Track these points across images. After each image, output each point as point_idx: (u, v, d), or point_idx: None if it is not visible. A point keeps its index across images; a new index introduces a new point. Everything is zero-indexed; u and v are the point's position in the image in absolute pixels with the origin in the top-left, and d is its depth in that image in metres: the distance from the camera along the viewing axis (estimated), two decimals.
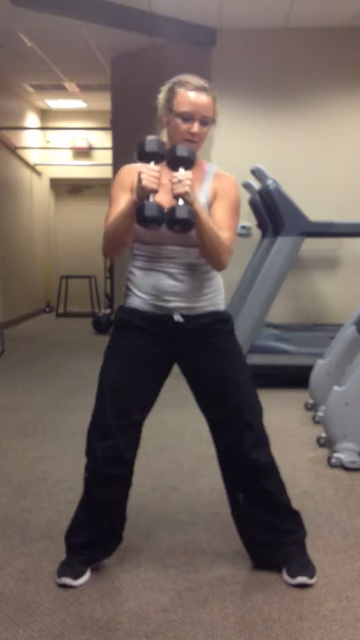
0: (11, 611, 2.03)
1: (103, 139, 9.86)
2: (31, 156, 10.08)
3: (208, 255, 2.05)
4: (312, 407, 4.33)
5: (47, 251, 10.87)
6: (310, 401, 4.34)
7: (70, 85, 8.83)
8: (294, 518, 2.26)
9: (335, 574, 2.25)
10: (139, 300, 2.15)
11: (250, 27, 6.25)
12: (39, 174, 10.49)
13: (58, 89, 9.01)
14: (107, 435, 2.13)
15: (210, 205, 2.12)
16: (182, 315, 2.12)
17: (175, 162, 1.98)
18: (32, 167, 10.14)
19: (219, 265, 2.09)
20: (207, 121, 2.14)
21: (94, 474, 2.20)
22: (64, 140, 10.50)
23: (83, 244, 10.86)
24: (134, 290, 2.16)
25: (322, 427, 3.58)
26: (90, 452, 2.20)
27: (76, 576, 2.16)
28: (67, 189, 11.14)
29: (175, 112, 2.10)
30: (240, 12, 5.90)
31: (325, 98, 6.34)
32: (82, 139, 10.43)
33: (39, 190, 10.51)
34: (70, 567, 2.19)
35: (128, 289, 2.19)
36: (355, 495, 2.97)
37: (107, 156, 8.81)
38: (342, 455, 3.29)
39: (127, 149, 8.05)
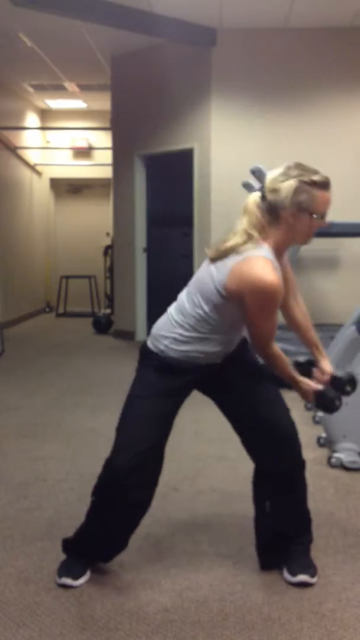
0: (11, 611, 2.03)
1: (103, 139, 9.86)
2: (31, 156, 10.08)
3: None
4: (312, 407, 4.33)
5: (47, 251, 10.87)
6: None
7: (70, 85, 8.83)
8: (308, 523, 2.28)
9: (335, 574, 2.25)
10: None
11: (250, 27, 6.25)
12: (39, 174, 10.49)
13: (58, 89, 9.01)
14: (138, 463, 2.10)
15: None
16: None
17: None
18: (32, 167, 10.14)
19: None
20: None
21: (123, 501, 2.12)
22: (64, 140, 10.50)
23: (83, 244, 10.86)
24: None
25: (322, 427, 3.58)
26: (120, 481, 2.10)
27: (76, 576, 2.17)
28: (67, 189, 11.14)
29: (315, 213, 2.01)
30: (240, 12, 5.90)
31: (325, 98, 6.34)
32: (82, 139, 10.43)
33: (39, 190, 10.51)
34: (70, 567, 2.19)
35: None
36: (355, 495, 2.97)
37: (107, 156, 8.81)
38: (342, 455, 3.29)
39: (127, 149, 8.12)
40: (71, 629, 1.94)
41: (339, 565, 2.31)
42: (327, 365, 2.27)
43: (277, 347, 2.10)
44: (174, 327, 2.11)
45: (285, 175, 1.99)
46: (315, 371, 2.28)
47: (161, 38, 6.47)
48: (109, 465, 2.12)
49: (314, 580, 2.18)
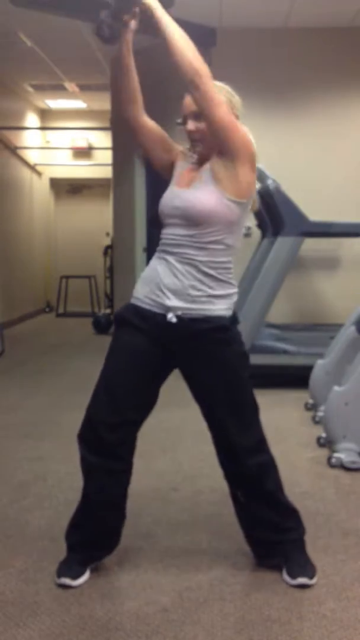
0: (11, 611, 2.03)
1: (103, 139, 9.85)
2: (31, 156, 10.08)
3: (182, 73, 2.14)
4: (312, 407, 4.33)
5: (47, 251, 10.87)
6: (310, 401, 4.34)
7: (70, 85, 8.83)
8: (294, 516, 2.27)
9: (335, 574, 2.25)
10: (139, 294, 2.15)
11: (250, 27, 6.25)
12: (39, 174, 10.49)
13: (58, 89, 9.01)
14: (95, 429, 2.17)
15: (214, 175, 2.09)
16: (177, 317, 2.07)
17: None
18: (32, 167, 10.14)
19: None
20: (196, 116, 2.16)
21: (83, 466, 2.24)
22: (64, 140, 10.50)
23: (83, 244, 10.86)
24: (137, 284, 2.17)
25: (322, 427, 3.58)
26: (79, 442, 2.25)
27: (75, 576, 2.17)
28: (67, 189, 11.14)
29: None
30: (240, 12, 5.90)
31: (325, 98, 6.34)
32: (82, 139, 10.43)
33: (39, 190, 10.51)
34: (69, 567, 2.19)
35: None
36: (355, 495, 2.97)
37: (107, 156, 8.81)
38: (342, 455, 3.29)
39: (127, 148, 8.10)
40: (71, 629, 1.94)
41: (339, 565, 2.31)
42: None
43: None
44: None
45: None
46: None
47: (161, 38, 6.46)
48: (82, 423, 2.28)
49: (313, 581, 2.17)
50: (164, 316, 2.07)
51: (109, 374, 2.17)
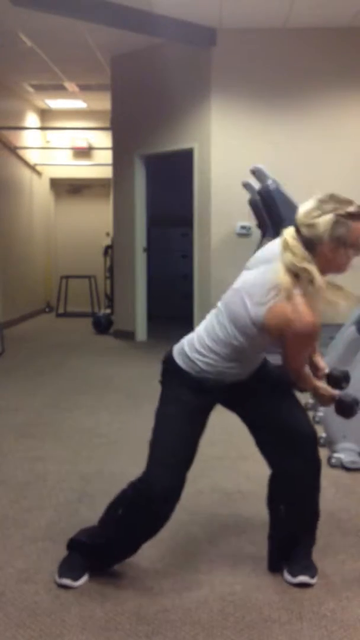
0: (11, 611, 2.03)
1: (103, 139, 9.85)
2: (31, 156, 10.07)
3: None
4: (312, 407, 4.33)
5: (47, 251, 10.86)
6: (310, 401, 4.34)
7: (70, 85, 8.83)
8: (314, 528, 2.28)
9: (335, 574, 2.25)
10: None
11: (250, 27, 6.25)
12: (39, 174, 10.48)
13: (58, 89, 9.00)
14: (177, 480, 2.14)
15: None
16: None
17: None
18: (32, 167, 10.13)
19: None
20: None
21: (155, 518, 2.15)
22: (64, 140, 10.50)
23: (83, 244, 10.86)
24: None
25: (322, 427, 3.58)
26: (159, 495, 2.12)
27: (76, 577, 2.16)
28: (67, 189, 11.14)
29: (353, 245, 1.98)
30: (240, 12, 5.90)
31: (325, 98, 6.34)
32: (82, 139, 10.42)
33: (39, 190, 10.51)
34: (71, 567, 2.18)
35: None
36: (355, 495, 2.97)
37: (107, 156, 8.81)
38: (342, 455, 3.29)
39: (127, 149, 8.11)
40: (71, 629, 1.94)
41: (339, 565, 2.31)
42: (320, 361, 2.29)
43: (309, 372, 2.21)
44: (208, 353, 2.10)
45: (320, 209, 1.95)
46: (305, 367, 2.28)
47: (161, 38, 6.47)
48: (146, 486, 2.10)
49: (313, 581, 2.18)
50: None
51: (184, 434, 2.17)
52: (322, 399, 2.21)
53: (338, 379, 2.23)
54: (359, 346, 3.72)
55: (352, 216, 1.94)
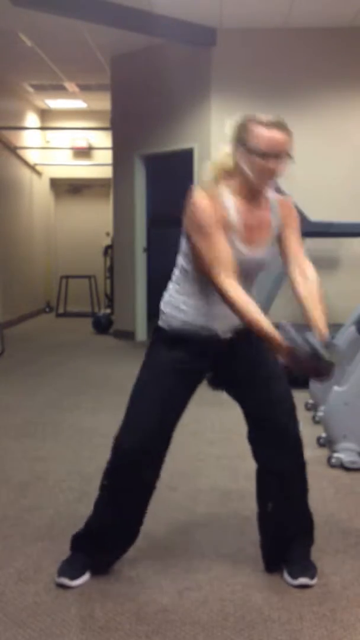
0: (11, 611, 2.03)
1: (103, 139, 9.85)
2: (31, 156, 10.07)
3: None
4: (312, 407, 4.33)
5: (47, 251, 10.86)
6: (310, 401, 4.34)
7: (70, 85, 8.83)
8: (311, 528, 2.28)
9: (335, 574, 2.25)
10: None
11: (250, 27, 6.25)
12: (39, 174, 10.48)
13: (58, 89, 9.01)
14: (151, 442, 2.15)
15: (280, 231, 2.14)
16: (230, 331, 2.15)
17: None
18: (32, 167, 10.13)
19: None
20: (284, 157, 2.09)
21: (134, 481, 2.15)
22: (64, 140, 10.50)
23: (83, 244, 10.86)
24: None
25: (322, 427, 3.58)
26: (126, 455, 2.14)
27: (74, 577, 2.16)
28: (67, 189, 11.14)
29: (256, 149, 2.01)
30: (240, 12, 5.90)
31: (325, 98, 6.34)
32: (82, 139, 10.43)
33: (39, 190, 10.51)
34: (71, 567, 2.18)
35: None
36: (355, 495, 2.97)
37: (107, 156, 8.81)
38: (342, 455, 3.29)
39: (127, 149, 8.09)
40: (71, 629, 1.94)
41: (339, 565, 2.31)
42: (320, 325, 2.09)
43: (235, 288, 1.95)
44: (171, 295, 2.15)
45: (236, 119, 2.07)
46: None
47: (161, 38, 6.46)
48: (118, 447, 2.14)
49: (313, 582, 2.17)
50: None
51: (155, 394, 2.17)
52: (272, 345, 1.96)
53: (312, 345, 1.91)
54: (359, 346, 3.72)
55: (258, 122, 2.06)
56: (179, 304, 2.12)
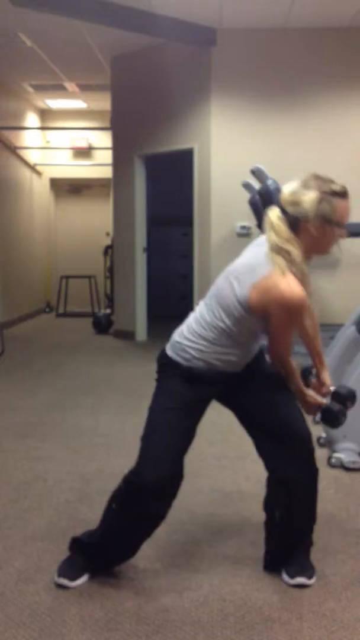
0: (11, 611, 2.03)
1: (103, 139, 9.85)
2: (31, 156, 10.07)
3: None
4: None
5: (47, 251, 10.86)
6: None
7: (70, 85, 8.83)
8: (311, 530, 2.27)
9: (335, 574, 2.25)
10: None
11: (250, 27, 6.25)
12: (39, 174, 10.48)
13: (58, 89, 9.01)
14: (166, 477, 2.11)
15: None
16: None
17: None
18: (32, 167, 10.13)
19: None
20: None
21: (148, 512, 2.12)
22: (64, 140, 10.50)
23: (83, 244, 10.86)
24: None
25: (322, 427, 3.58)
26: (147, 491, 2.09)
27: (73, 577, 2.16)
28: (67, 189, 11.14)
29: (337, 222, 2.01)
30: (240, 12, 5.90)
31: (325, 98, 6.34)
32: (82, 139, 10.43)
33: (39, 190, 10.51)
34: (71, 568, 2.18)
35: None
36: (355, 495, 2.97)
37: (107, 156, 8.81)
38: (342, 455, 3.29)
39: (127, 149, 8.10)
40: (71, 629, 1.94)
41: (339, 565, 2.31)
42: (326, 377, 2.27)
43: (292, 363, 2.13)
44: (197, 339, 2.09)
45: (305, 186, 1.97)
46: (313, 381, 2.28)
47: (161, 38, 6.46)
48: (137, 478, 2.09)
49: (311, 582, 2.18)
50: None
51: (176, 426, 2.16)
52: (307, 405, 2.18)
53: (343, 397, 2.18)
54: (359, 346, 3.73)
55: (335, 193, 1.96)
56: (214, 354, 2.08)
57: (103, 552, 2.21)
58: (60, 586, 2.15)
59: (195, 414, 2.15)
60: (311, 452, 2.19)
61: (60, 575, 2.17)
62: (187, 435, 2.13)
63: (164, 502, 2.12)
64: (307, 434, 2.17)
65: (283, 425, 2.16)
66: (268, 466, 2.21)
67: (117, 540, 2.19)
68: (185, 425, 2.12)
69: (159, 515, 2.14)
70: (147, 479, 2.05)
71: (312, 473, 2.20)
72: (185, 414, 2.12)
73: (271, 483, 2.22)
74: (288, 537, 2.23)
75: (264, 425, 2.19)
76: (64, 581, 2.15)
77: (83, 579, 2.18)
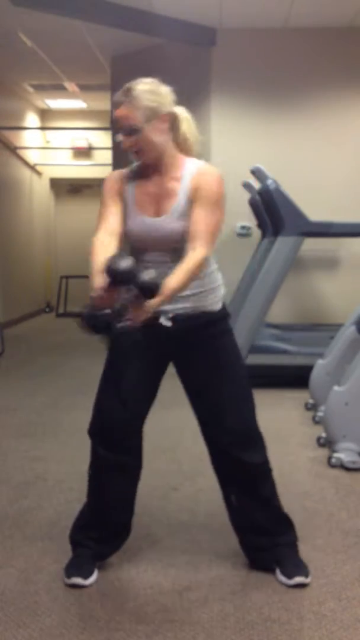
0: (11, 611, 2.03)
1: (103, 139, 9.86)
2: (31, 156, 10.08)
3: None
4: (312, 407, 4.33)
5: (47, 251, 10.87)
6: (310, 401, 4.34)
7: (70, 85, 8.83)
8: (286, 521, 2.27)
9: (335, 574, 2.25)
10: None
11: (250, 27, 6.25)
12: (39, 174, 10.49)
13: (58, 89, 9.01)
14: (109, 425, 2.20)
15: (191, 201, 2.14)
16: (170, 319, 2.09)
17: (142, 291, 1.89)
18: (32, 167, 10.14)
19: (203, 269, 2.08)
20: (130, 131, 2.13)
21: (96, 463, 2.22)
22: (64, 140, 10.50)
23: (83, 244, 10.78)
24: None
25: (322, 427, 3.58)
26: (93, 438, 2.24)
27: (86, 575, 2.16)
28: (67, 189, 11.14)
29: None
30: (240, 12, 5.90)
31: (325, 98, 6.34)
32: (82, 138, 10.43)
33: (39, 190, 10.51)
34: (80, 566, 2.18)
35: None
36: (355, 495, 2.96)
37: (107, 156, 8.81)
38: (342, 455, 3.29)
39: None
40: (71, 629, 1.94)
41: (339, 565, 2.31)
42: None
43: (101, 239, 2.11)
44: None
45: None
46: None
47: (161, 38, 6.46)
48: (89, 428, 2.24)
49: (308, 580, 2.17)
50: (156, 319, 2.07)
51: (109, 377, 2.24)
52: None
53: (151, 290, 1.88)
54: (359, 346, 3.73)
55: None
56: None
57: (99, 519, 2.22)
58: (73, 586, 2.13)
59: (138, 360, 2.18)
60: (259, 437, 2.21)
61: (71, 575, 2.15)
62: (128, 384, 2.17)
63: (113, 449, 2.17)
64: (246, 421, 2.19)
65: (221, 413, 2.18)
66: (212, 452, 2.28)
67: (100, 497, 2.22)
68: (126, 375, 2.20)
69: (121, 465, 2.19)
70: (91, 428, 2.23)
71: (258, 459, 2.20)
72: (125, 363, 2.22)
73: (218, 469, 2.27)
74: (251, 522, 2.22)
75: (205, 410, 2.24)
76: (78, 580, 2.14)
77: (95, 575, 2.18)
